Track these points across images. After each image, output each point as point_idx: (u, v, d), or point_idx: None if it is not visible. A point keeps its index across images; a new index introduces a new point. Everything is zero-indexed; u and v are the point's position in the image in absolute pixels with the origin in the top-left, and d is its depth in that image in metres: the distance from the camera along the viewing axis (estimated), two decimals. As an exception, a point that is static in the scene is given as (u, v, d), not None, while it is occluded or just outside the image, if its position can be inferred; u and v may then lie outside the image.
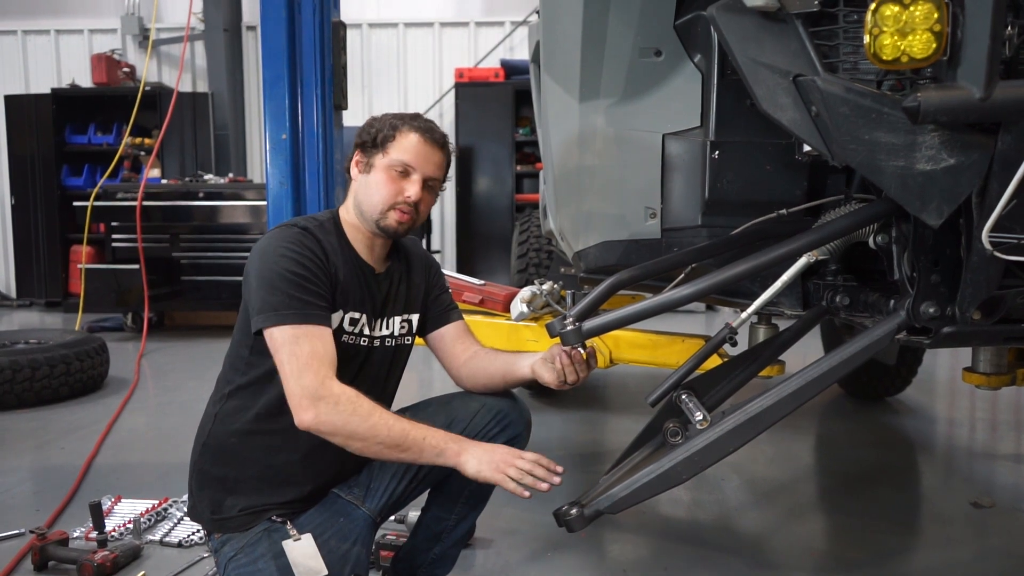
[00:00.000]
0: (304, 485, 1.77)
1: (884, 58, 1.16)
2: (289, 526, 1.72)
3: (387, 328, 1.86)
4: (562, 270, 3.29)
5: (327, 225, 1.79)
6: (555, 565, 2.33)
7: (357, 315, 1.78)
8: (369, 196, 1.76)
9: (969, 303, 1.36)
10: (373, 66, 8.12)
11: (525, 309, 2.42)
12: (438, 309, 1.99)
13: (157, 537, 2.46)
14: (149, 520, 2.56)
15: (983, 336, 1.44)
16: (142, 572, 2.26)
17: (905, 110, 1.16)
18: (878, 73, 1.30)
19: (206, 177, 6.56)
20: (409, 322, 1.92)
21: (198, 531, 2.47)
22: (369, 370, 1.84)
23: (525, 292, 2.44)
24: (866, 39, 1.17)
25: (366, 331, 1.80)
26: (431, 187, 1.80)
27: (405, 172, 1.75)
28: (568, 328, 1.62)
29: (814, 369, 1.54)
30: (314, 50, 2.85)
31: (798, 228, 1.72)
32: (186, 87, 7.93)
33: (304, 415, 1.56)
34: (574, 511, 1.63)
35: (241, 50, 7.89)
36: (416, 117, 1.80)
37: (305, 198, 3.00)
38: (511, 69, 7.52)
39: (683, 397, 1.71)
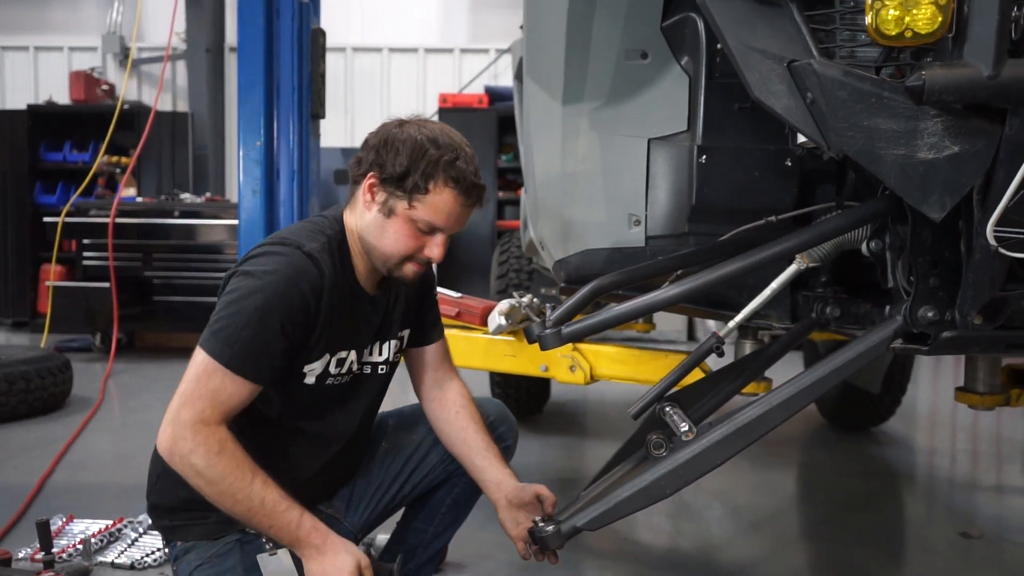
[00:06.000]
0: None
1: (887, 33, 1.10)
2: (265, 539, 1.56)
3: (381, 354, 1.73)
4: (543, 291, 3.21)
5: (332, 244, 1.57)
6: (530, 592, 2.22)
7: (344, 354, 1.63)
8: (383, 244, 1.55)
9: (970, 306, 1.29)
10: (356, 90, 8.09)
11: (504, 322, 2.34)
12: (423, 323, 1.85)
13: (109, 559, 2.31)
14: (101, 541, 2.42)
15: (985, 342, 1.36)
16: (89, 594, 2.12)
17: (908, 90, 1.09)
18: (877, 60, 1.24)
19: (183, 196, 6.44)
20: (401, 339, 1.80)
21: (152, 553, 2.33)
22: (357, 401, 1.72)
23: (504, 305, 2.35)
24: (868, 16, 1.10)
25: (354, 367, 1.67)
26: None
27: (431, 231, 1.54)
28: (547, 332, 1.53)
29: (805, 377, 1.45)
30: (292, 56, 2.78)
31: (787, 235, 1.66)
32: (167, 107, 7.84)
33: (162, 439, 1.42)
34: (550, 528, 1.53)
35: (223, 71, 7.81)
36: (453, 161, 1.50)
37: (278, 208, 2.91)
38: (495, 96, 7.50)
39: (667, 409, 1.62)
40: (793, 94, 1.25)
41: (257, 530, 1.46)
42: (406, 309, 1.77)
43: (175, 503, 1.62)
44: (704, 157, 1.83)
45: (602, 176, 1.99)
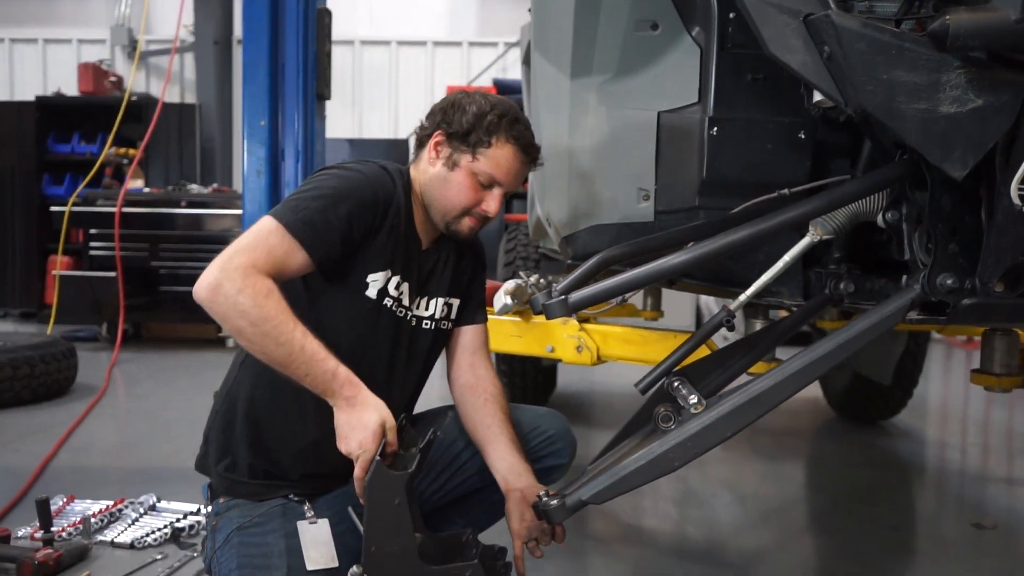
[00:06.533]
0: (328, 463, 1.59)
1: (908, -22, 1.06)
2: (307, 506, 1.59)
3: (428, 308, 1.73)
4: (550, 277, 3.17)
5: (404, 179, 1.68)
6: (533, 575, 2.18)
7: (401, 282, 1.64)
8: (445, 195, 1.64)
9: (992, 272, 1.25)
10: (365, 83, 8.07)
11: (509, 301, 2.30)
12: (468, 300, 1.83)
13: (108, 538, 2.29)
14: (101, 521, 2.39)
15: (1007, 310, 1.32)
16: (87, 573, 2.09)
17: (931, 35, 1.05)
18: (896, 13, 1.20)
19: (190, 187, 6.43)
20: (450, 306, 1.78)
21: (152, 533, 2.30)
22: (409, 351, 1.70)
23: (510, 284, 2.31)
24: (889, -41, 1.06)
25: (405, 302, 1.67)
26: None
27: (490, 184, 1.64)
28: (553, 300, 1.49)
29: (819, 348, 1.41)
30: (297, 35, 2.75)
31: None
32: (174, 99, 7.84)
33: (205, 279, 1.40)
34: (555, 501, 1.49)
35: (231, 63, 7.81)
36: (516, 120, 1.63)
37: (283, 190, 2.88)
38: (504, 88, 7.45)
39: (675, 383, 1.58)
40: (809, 49, 1.21)
41: (293, 377, 1.44)
42: (454, 277, 1.77)
43: (229, 461, 1.64)
44: (715, 129, 1.78)
45: (611, 151, 1.95)
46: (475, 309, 1.85)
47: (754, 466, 3.45)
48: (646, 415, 1.66)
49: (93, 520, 2.35)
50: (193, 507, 2.47)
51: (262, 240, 1.46)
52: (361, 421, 1.43)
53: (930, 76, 1.12)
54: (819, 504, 3.11)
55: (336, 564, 1.52)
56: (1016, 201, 1.11)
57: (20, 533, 2.29)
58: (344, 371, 1.45)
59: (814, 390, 4.53)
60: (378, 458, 1.38)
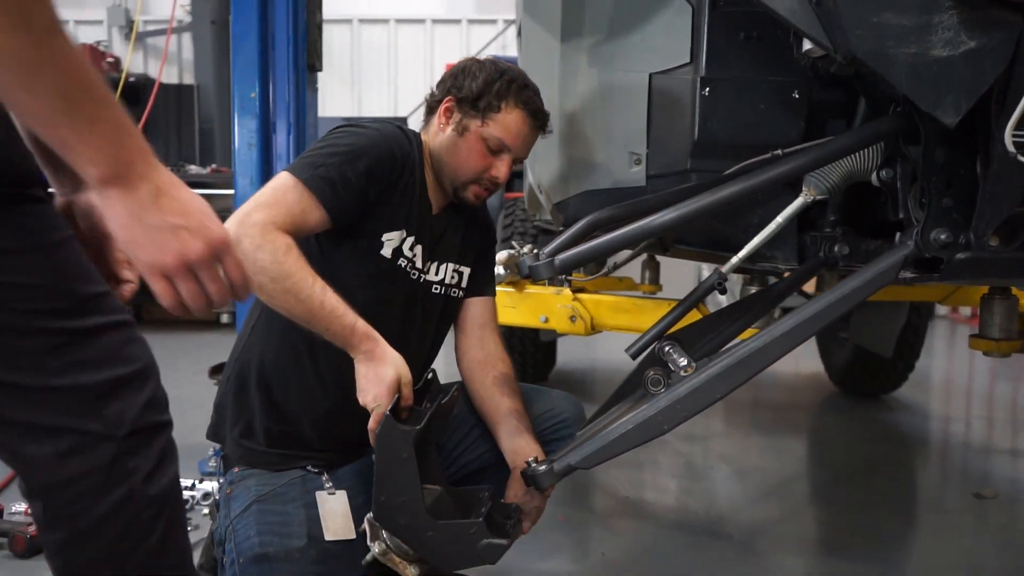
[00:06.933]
0: (345, 431, 1.57)
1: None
2: (325, 477, 1.57)
3: (438, 273, 1.70)
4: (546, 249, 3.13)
5: (418, 141, 1.67)
6: (530, 547, 2.16)
7: (415, 243, 1.63)
8: (455, 160, 1.64)
9: (987, 224, 1.21)
10: (363, 61, 8.01)
11: (502, 271, 2.27)
12: (480, 276, 1.81)
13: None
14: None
15: (1002, 265, 1.28)
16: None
17: (921, -27, 1.01)
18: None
19: (188, 168, 6.40)
20: (460, 274, 1.75)
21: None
22: (423, 313, 1.67)
23: (503, 254, 2.28)
24: None
25: (419, 264, 1.65)
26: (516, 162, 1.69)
27: (499, 150, 1.62)
28: (540, 262, 1.46)
29: (810, 307, 1.38)
30: (287, 5, 2.71)
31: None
32: (172, 79, 7.80)
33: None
34: (543, 467, 1.46)
35: (228, 43, 7.75)
36: (525, 86, 1.64)
37: (275, 163, 2.85)
38: (503, 66, 7.41)
39: (667, 348, 1.56)
40: (798, -5, 1.17)
41: (315, 331, 1.43)
42: (463, 245, 1.75)
43: (244, 426, 1.61)
44: (707, 90, 1.74)
45: (602, 114, 1.92)
46: (484, 282, 1.82)
47: (756, 440, 3.44)
48: (637, 380, 1.63)
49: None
50: (188, 482, 2.46)
51: (280, 196, 1.44)
52: (378, 375, 1.43)
53: (921, 18, 1.08)
54: (820, 477, 3.09)
55: (354, 536, 1.50)
56: (1010, 148, 1.07)
57: (14, 508, 2.29)
58: (363, 325, 1.44)
59: (815, 365, 4.50)
60: (388, 412, 1.37)
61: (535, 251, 2.42)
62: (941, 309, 8.09)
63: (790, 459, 3.28)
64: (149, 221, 0.79)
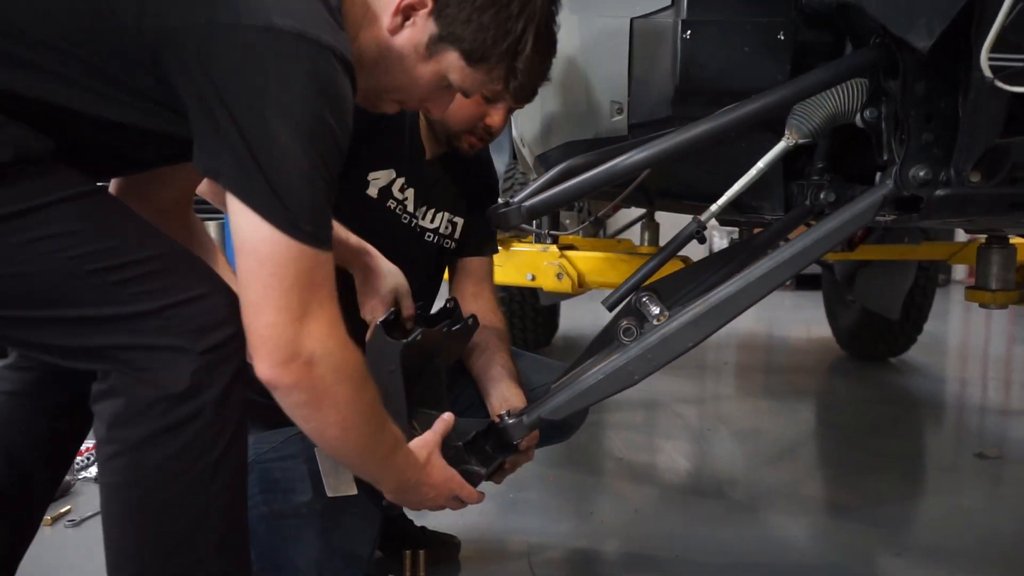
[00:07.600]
0: None
1: None
2: None
3: (433, 221, 1.66)
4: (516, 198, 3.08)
5: None
6: (519, 508, 2.14)
7: (406, 186, 1.58)
8: (450, 110, 1.52)
9: (967, 158, 1.15)
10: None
11: (488, 229, 2.22)
12: (477, 231, 1.75)
13: (92, 474, 2.28)
14: (87, 459, 2.39)
15: (983, 200, 1.22)
16: (68, 507, 2.09)
17: None
18: None
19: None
20: (454, 224, 1.70)
21: (134, 468, 2.29)
22: (416, 261, 1.61)
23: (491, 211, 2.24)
24: None
25: (410, 208, 1.61)
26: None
27: (495, 99, 1.54)
28: (509, 207, 1.42)
29: (786, 250, 1.33)
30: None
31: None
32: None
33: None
34: (512, 420, 1.43)
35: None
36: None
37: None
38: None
39: (643, 299, 1.51)
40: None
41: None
42: (459, 194, 1.70)
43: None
44: (689, 32, 1.68)
45: (583, 62, 1.87)
46: (483, 240, 1.77)
47: (761, 404, 3.40)
48: (612, 332, 1.59)
49: (77, 459, 2.35)
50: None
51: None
52: (374, 287, 1.42)
53: (890, -66, 1.02)
54: (824, 440, 3.05)
55: (355, 492, 1.45)
56: (987, 72, 1.01)
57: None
58: (356, 240, 1.42)
59: (823, 328, 4.43)
60: (379, 324, 1.35)
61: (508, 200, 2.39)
62: (959, 273, 7.95)
63: (795, 421, 3.23)
64: (410, 500, 1.32)
